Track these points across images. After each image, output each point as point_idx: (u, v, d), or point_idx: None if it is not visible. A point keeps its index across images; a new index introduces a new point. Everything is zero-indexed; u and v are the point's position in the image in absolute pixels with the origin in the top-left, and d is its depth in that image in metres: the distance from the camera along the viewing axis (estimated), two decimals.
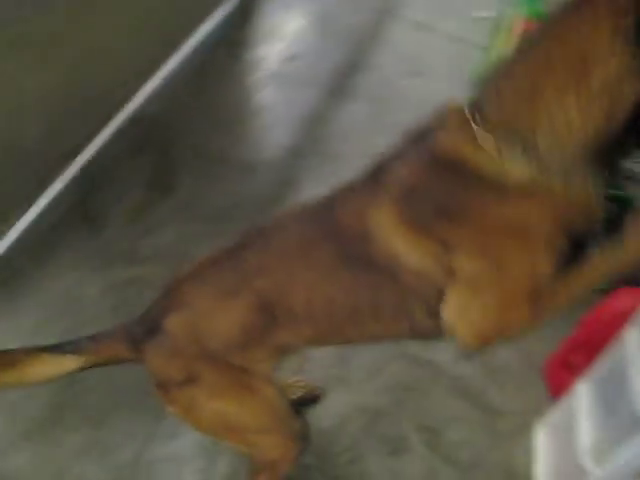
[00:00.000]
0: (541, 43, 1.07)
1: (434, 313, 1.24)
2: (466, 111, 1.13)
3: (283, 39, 3.11)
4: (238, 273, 1.35)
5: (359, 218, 1.23)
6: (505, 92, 1.10)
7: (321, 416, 1.89)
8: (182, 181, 2.40)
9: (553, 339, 2.11)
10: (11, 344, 1.33)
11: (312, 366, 1.95)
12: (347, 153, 2.41)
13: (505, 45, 1.91)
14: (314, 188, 2.35)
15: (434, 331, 1.29)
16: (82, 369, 1.41)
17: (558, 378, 1.94)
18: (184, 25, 2.81)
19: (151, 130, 2.57)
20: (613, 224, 1.20)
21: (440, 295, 1.22)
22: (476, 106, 1.13)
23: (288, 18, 3.29)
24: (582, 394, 1.69)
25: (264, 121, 2.71)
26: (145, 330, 1.40)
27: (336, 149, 2.53)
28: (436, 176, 1.16)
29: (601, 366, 1.65)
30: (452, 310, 1.23)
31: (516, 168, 1.08)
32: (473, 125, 1.11)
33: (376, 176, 1.25)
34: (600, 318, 1.82)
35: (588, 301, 1.98)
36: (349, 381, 1.94)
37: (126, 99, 2.52)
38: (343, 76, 2.94)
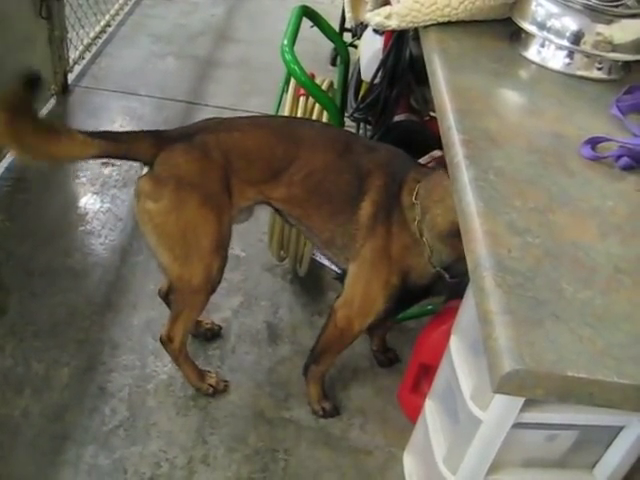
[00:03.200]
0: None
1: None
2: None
3: None
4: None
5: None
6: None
7: None
8: (13, 302, 2.32)
9: (398, 371, 2.21)
10: None
11: (173, 451, 1.92)
12: None
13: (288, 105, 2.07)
14: (144, 282, 2.40)
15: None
16: (103, 155, 1.72)
17: (411, 403, 2.02)
18: None
19: None
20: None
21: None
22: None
23: (101, 122, 3.33)
24: (430, 411, 1.77)
25: (89, 226, 2.69)
26: (178, 136, 1.71)
27: None
28: None
29: (438, 379, 1.75)
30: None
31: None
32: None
33: None
34: (431, 336, 1.94)
35: (421, 324, 2.12)
36: (212, 459, 1.91)
37: None
38: None
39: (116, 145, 1.69)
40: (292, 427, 2.02)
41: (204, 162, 1.69)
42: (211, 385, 2.06)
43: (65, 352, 2.16)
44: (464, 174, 1.12)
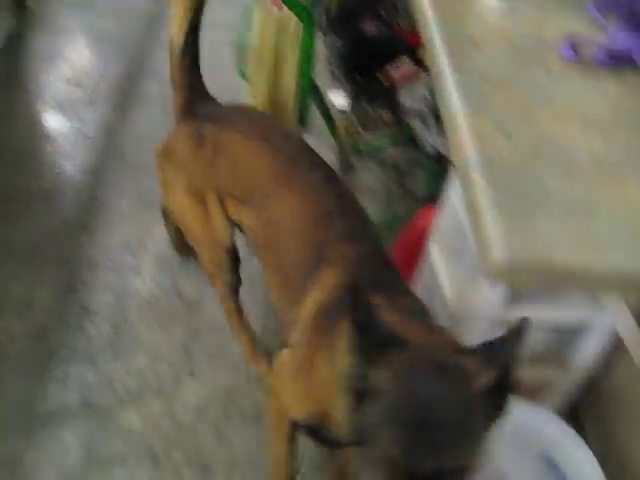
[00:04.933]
0: None
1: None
2: None
3: (62, 63, 3.02)
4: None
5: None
6: None
7: None
8: None
9: None
10: None
11: (159, 364, 1.96)
12: (145, 160, 2.41)
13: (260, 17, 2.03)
14: (118, 201, 2.38)
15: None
16: None
17: None
18: None
19: None
20: None
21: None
22: None
23: (64, 42, 3.22)
24: None
25: (59, 147, 2.63)
26: (204, 112, 1.71)
27: (134, 158, 2.54)
28: None
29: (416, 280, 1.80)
30: None
31: None
32: None
33: None
34: (408, 239, 1.97)
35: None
36: (197, 370, 1.97)
37: None
38: (130, 85, 2.93)
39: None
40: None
41: (197, 150, 1.65)
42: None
43: (44, 274, 2.16)
44: (448, 79, 1.13)
